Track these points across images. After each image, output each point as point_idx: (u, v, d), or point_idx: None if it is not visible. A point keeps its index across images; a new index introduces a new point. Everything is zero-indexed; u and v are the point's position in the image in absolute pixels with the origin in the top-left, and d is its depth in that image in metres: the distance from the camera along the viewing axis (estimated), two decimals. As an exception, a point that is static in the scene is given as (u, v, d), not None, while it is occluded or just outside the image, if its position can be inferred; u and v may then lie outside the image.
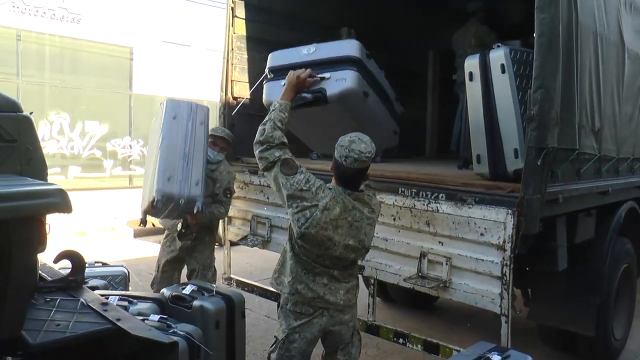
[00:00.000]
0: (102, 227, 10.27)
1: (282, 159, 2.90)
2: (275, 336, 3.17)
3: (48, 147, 12.55)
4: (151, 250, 9.16)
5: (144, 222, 4.27)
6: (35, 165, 1.97)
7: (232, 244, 5.29)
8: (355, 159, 2.78)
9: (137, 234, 10.34)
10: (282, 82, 3.36)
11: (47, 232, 2.12)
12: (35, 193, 1.48)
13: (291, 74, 3.29)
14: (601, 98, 3.96)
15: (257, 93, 4.52)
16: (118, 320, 1.91)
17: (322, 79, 3.49)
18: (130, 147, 14.75)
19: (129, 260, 4.70)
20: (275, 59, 4.15)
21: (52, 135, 12.98)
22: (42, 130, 12.30)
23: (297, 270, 2.95)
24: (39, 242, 1.66)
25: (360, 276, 3.38)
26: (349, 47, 3.88)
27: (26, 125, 2.00)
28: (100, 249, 7.62)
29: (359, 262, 3.22)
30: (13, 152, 1.86)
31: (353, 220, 2.85)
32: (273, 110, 3.06)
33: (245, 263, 7.69)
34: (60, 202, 1.49)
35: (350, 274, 3.03)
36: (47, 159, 2.06)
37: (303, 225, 2.79)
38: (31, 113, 2.09)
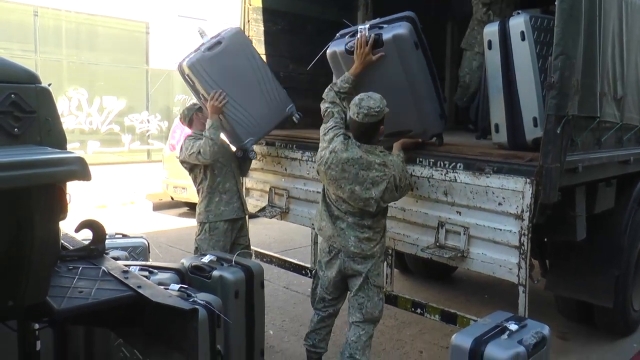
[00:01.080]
0: (121, 201, 10.42)
1: (328, 110, 3.45)
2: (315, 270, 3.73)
3: (67, 123, 12.66)
4: (171, 223, 9.30)
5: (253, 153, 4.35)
6: (54, 137, 1.98)
7: (251, 216, 5.34)
8: (365, 114, 3.16)
9: (157, 208, 10.47)
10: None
11: (68, 201, 2.16)
12: (55, 161, 1.49)
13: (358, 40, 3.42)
14: (624, 65, 3.87)
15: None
16: (139, 287, 1.95)
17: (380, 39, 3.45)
18: (148, 122, 14.82)
19: (149, 233, 4.78)
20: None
21: (70, 110, 13.09)
22: (61, 105, 12.39)
23: (322, 209, 3.44)
24: (60, 210, 1.69)
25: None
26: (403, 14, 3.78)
27: (45, 97, 2.01)
28: (121, 222, 7.72)
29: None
30: (32, 124, 1.87)
31: (360, 168, 3.19)
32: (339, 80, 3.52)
33: (264, 235, 7.76)
34: (79, 169, 1.51)
35: (365, 225, 3.28)
36: (67, 134, 2.07)
37: (317, 162, 3.38)
38: (49, 85, 2.10)
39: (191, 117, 4.35)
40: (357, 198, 3.22)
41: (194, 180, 4.38)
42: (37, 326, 3.19)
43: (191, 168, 4.29)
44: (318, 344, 3.59)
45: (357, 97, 3.24)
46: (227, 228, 4.35)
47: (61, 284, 1.95)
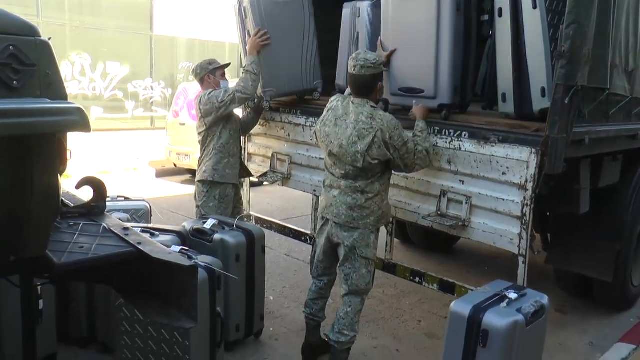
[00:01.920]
0: (124, 167, 10.42)
1: None
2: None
3: (70, 88, 12.59)
4: (173, 189, 9.31)
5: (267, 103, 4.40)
6: (55, 91, 1.95)
7: (252, 184, 5.33)
8: (361, 66, 3.19)
9: (159, 174, 10.48)
10: None
11: (69, 157, 2.15)
12: (54, 110, 1.47)
13: None
14: (638, 37, 3.80)
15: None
16: (139, 244, 1.95)
17: None
18: (152, 89, 14.73)
19: (152, 199, 4.78)
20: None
21: (73, 75, 13.00)
22: (64, 70, 12.31)
23: (323, 182, 3.45)
24: (60, 162, 1.68)
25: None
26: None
27: (45, 50, 1.98)
28: (123, 188, 7.74)
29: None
30: (32, 77, 1.84)
31: (350, 122, 3.19)
32: None
33: (265, 203, 7.78)
34: (79, 120, 1.49)
35: (358, 189, 3.22)
36: (69, 99, 2.05)
37: (318, 123, 3.41)
38: (49, 39, 2.07)
39: (203, 76, 4.31)
40: (345, 152, 3.17)
41: (205, 139, 4.28)
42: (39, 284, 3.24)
43: (212, 123, 4.20)
44: (317, 313, 3.60)
45: (355, 53, 3.32)
46: (234, 193, 4.36)
47: (62, 240, 1.95)
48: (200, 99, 4.17)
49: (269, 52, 4.22)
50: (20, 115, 1.40)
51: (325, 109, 3.40)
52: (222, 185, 4.28)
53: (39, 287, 3.24)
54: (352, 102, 3.25)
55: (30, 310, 3.20)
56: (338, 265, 3.40)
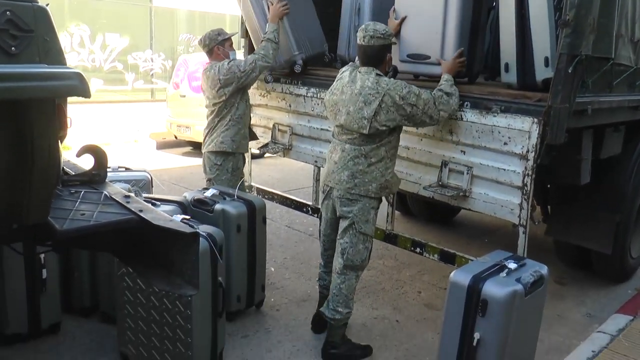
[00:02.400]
0: (125, 139, 10.41)
1: None
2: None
3: (69, 60, 12.47)
4: (174, 161, 9.31)
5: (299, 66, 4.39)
6: (53, 57, 1.94)
7: (254, 156, 5.33)
8: (371, 37, 3.19)
9: (160, 146, 10.46)
10: None
11: (69, 125, 2.14)
12: (53, 75, 1.46)
13: None
14: (645, 6, 3.75)
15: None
16: (140, 211, 1.95)
17: None
18: (152, 61, 14.64)
19: (153, 171, 4.77)
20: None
21: (72, 47, 12.90)
22: (62, 42, 12.14)
23: (328, 149, 3.46)
24: (60, 127, 1.67)
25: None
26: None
27: (43, 16, 1.96)
28: (124, 160, 7.74)
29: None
30: (30, 43, 1.83)
31: (356, 89, 3.18)
32: None
33: (266, 175, 7.78)
34: (79, 85, 1.47)
35: (361, 153, 3.20)
36: None
37: (327, 93, 3.42)
38: (47, 5, 2.04)
39: (212, 47, 4.27)
40: (352, 120, 3.16)
41: (221, 109, 4.22)
42: (42, 255, 3.27)
43: (232, 94, 4.15)
44: (329, 285, 3.58)
45: (364, 24, 3.31)
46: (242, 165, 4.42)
47: (63, 207, 1.96)
48: (219, 69, 4.11)
49: (290, 17, 4.27)
50: (19, 79, 1.39)
51: (335, 80, 3.39)
52: (235, 156, 4.28)
53: (42, 257, 3.27)
54: (359, 72, 3.25)
55: (34, 278, 3.26)
56: (337, 237, 3.39)
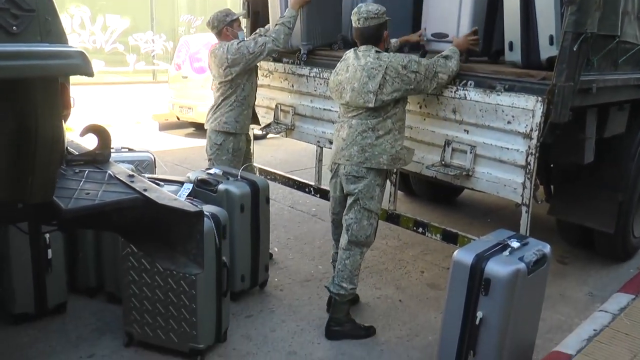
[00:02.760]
0: (127, 121, 10.39)
1: None
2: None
3: (70, 41, 12.37)
4: (177, 142, 9.31)
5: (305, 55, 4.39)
6: (55, 37, 1.91)
7: (256, 137, 5.32)
8: (365, 18, 3.25)
9: (163, 128, 10.45)
10: None
11: (72, 105, 2.14)
12: (56, 53, 1.46)
13: None
14: (651, -17, 3.71)
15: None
16: (145, 190, 1.96)
17: None
18: (153, 42, 14.53)
19: (156, 152, 4.78)
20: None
21: (73, 28, 12.80)
22: (63, 23, 12.12)
23: (335, 128, 3.49)
24: (64, 106, 1.67)
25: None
26: None
27: (44, -5, 1.93)
28: (127, 141, 7.75)
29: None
30: (32, 22, 1.80)
31: (357, 65, 3.23)
32: None
33: (269, 156, 7.78)
34: (81, 63, 1.47)
35: (369, 126, 3.24)
36: None
37: (331, 75, 3.46)
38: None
39: (221, 29, 4.24)
40: (358, 95, 3.20)
41: (227, 89, 4.20)
42: (47, 235, 3.29)
43: (239, 74, 4.13)
44: None
45: (356, 7, 3.35)
46: (245, 147, 4.41)
47: (68, 186, 1.96)
48: (227, 48, 4.08)
49: (311, 6, 4.24)
50: (22, 57, 1.39)
51: (340, 61, 3.43)
52: (236, 137, 4.27)
53: (47, 237, 3.30)
54: (359, 51, 3.30)
55: (40, 258, 3.28)
56: (345, 215, 3.41)
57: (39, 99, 1.49)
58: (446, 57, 3.34)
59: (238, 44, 4.10)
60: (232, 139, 4.25)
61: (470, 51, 3.60)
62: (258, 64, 4.36)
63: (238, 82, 4.18)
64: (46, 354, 3.14)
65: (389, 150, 3.26)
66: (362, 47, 3.29)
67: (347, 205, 3.37)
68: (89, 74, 1.49)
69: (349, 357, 3.27)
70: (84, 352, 3.17)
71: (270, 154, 7.96)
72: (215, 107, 4.28)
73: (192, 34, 12.97)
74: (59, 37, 1.97)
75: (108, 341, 3.28)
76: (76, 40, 12.72)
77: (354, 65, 3.25)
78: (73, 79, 2.13)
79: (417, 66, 3.20)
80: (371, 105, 3.17)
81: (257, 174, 4.80)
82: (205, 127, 4.38)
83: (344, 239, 3.41)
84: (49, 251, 3.35)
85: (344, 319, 3.45)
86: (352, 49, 3.39)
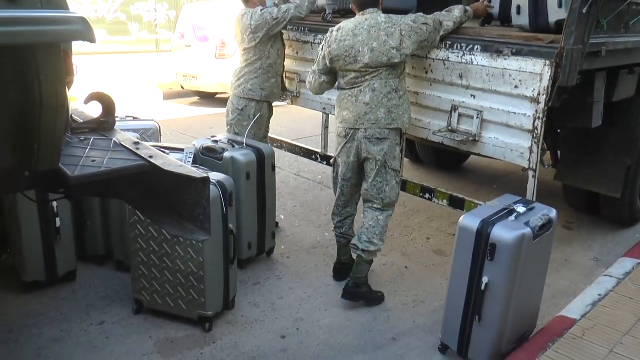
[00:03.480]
0: (131, 90, 10.35)
1: None
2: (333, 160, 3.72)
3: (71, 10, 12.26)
4: (181, 112, 9.29)
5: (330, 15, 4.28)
6: (55, 4, 1.89)
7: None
8: None
9: (167, 97, 10.41)
10: None
11: (75, 72, 2.12)
12: (58, 19, 1.44)
13: None
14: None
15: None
16: (150, 157, 1.95)
17: None
18: (155, 11, 14.37)
19: (160, 121, 4.76)
20: None
21: (74, -3, 12.65)
22: (65, -9, 11.96)
23: (340, 99, 3.43)
24: (67, 73, 1.65)
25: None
26: None
27: (44, -39, 1.90)
28: (132, 110, 7.74)
29: None
30: (32, -11, 1.78)
31: (369, 27, 3.23)
32: None
33: (275, 124, 7.70)
34: (83, 29, 1.45)
35: (392, 87, 3.26)
36: None
37: (326, 48, 3.37)
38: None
39: None
40: (379, 54, 3.20)
41: (251, 55, 4.15)
42: (55, 204, 3.31)
43: (262, 40, 4.08)
44: (347, 232, 3.69)
45: None
46: (268, 115, 4.37)
47: (73, 154, 1.96)
48: (252, 15, 4.04)
49: None
50: (22, 24, 1.37)
51: (330, 35, 3.36)
52: (259, 104, 4.21)
53: (54, 205, 3.32)
54: (364, 15, 3.29)
55: (48, 227, 3.31)
56: (369, 180, 3.39)
57: (41, 65, 1.47)
58: (449, 9, 3.45)
59: (262, 10, 4.06)
60: (255, 106, 4.20)
61: (488, 16, 3.60)
62: (282, 32, 4.29)
63: (262, 49, 4.13)
64: (57, 320, 3.19)
65: (408, 110, 3.35)
66: (369, 10, 3.29)
67: (375, 170, 3.35)
68: (91, 40, 1.47)
69: (355, 323, 3.31)
70: (95, 320, 3.22)
71: (276, 121, 7.85)
72: (239, 73, 4.24)
73: (195, 3, 12.81)
74: (60, 4, 1.95)
75: (118, 309, 3.33)
76: (78, 9, 12.59)
77: (368, 26, 3.23)
78: (76, 48, 2.12)
79: (424, 19, 3.30)
80: (397, 60, 3.21)
81: (268, 142, 4.79)
82: (230, 93, 4.34)
83: (374, 203, 3.41)
84: (57, 220, 3.38)
85: (363, 280, 3.48)
86: (354, 17, 3.36)
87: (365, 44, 3.21)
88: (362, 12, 3.31)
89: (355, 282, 3.44)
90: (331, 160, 3.74)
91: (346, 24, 3.32)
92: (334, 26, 3.41)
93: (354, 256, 3.52)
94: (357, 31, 3.25)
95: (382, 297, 3.55)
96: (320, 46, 3.45)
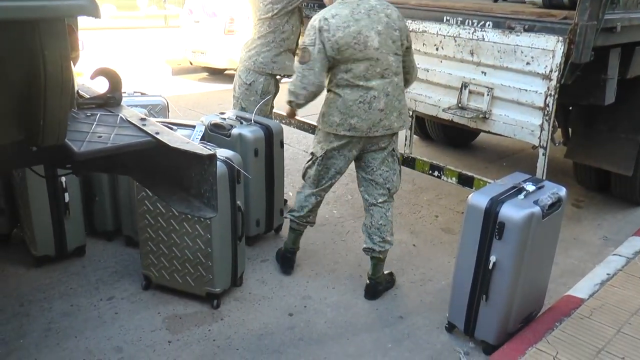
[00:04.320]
0: (140, 65, 10.31)
1: None
2: (312, 152, 3.34)
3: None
4: (190, 87, 9.25)
5: None
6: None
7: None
8: None
9: (176, 72, 10.37)
10: None
11: (81, 48, 2.10)
12: (61, -7, 1.42)
13: None
14: None
15: None
16: (157, 133, 1.94)
17: None
18: (164, -14, 14.26)
19: (169, 97, 4.73)
20: None
21: (82, -29, 12.55)
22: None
23: (349, 100, 3.02)
24: (72, 48, 1.64)
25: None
26: None
27: None
28: (140, 85, 7.71)
29: None
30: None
31: (367, 10, 2.98)
32: None
33: (283, 102, 7.71)
34: (88, 4, 1.43)
35: (400, 86, 3.06)
36: None
37: (326, 39, 2.92)
38: None
39: None
40: (386, 36, 2.95)
41: (265, 26, 4.01)
42: (63, 179, 3.32)
43: (279, 13, 3.95)
44: (312, 219, 3.49)
45: None
46: (275, 92, 4.26)
47: (80, 129, 1.95)
48: None
49: None
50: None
51: (327, 24, 2.94)
52: (267, 79, 4.09)
53: (63, 181, 3.33)
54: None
55: (57, 202, 3.33)
56: (374, 170, 3.20)
57: (46, 41, 1.46)
58: None
59: None
60: (263, 80, 4.08)
61: None
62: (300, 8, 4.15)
63: (277, 22, 3.98)
64: (67, 295, 3.23)
65: (406, 105, 3.21)
66: None
67: (380, 159, 3.17)
68: (96, 15, 1.45)
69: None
70: (104, 295, 3.25)
71: (284, 98, 7.89)
72: (250, 44, 4.11)
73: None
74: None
75: (127, 284, 3.36)
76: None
77: (366, 10, 2.97)
78: (84, 23, 2.10)
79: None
80: (406, 42, 3.04)
81: (272, 117, 4.76)
82: (239, 65, 4.22)
83: (380, 194, 3.22)
84: (66, 195, 3.40)
85: (382, 276, 3.40)
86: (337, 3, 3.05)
87: (370, 28, 2.94)
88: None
89: (379, 281, 3.37)
90: (317, 155, 3.29)
91: (339, 10, 2.97)
92: (314, 15, 3.05)
93: (369, 258, 3.34)
94: (357, 16, 2.96)
95: (395, 279, 3.53)
96: (310, 40, 2.95)
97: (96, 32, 8.86)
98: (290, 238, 3.54)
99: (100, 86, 2.35)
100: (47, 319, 3.02)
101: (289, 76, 4.41)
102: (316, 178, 3.30)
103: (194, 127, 3.53)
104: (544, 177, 3.12)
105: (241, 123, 3.73)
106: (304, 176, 3.39)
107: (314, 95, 3.09)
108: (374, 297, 3.35)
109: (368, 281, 3.37)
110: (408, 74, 3.16)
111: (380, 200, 3.23)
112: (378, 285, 3.37)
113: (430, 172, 3.85)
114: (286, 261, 3.57)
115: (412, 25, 3.53)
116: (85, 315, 3.06)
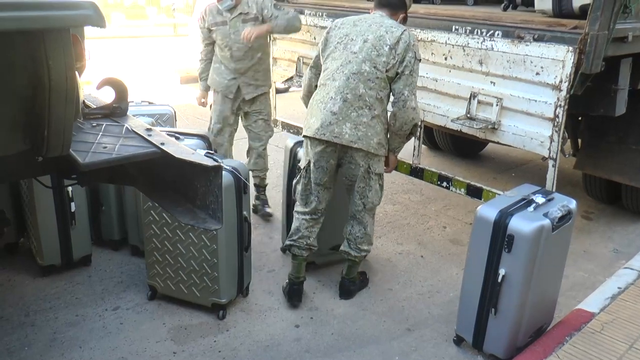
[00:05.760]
0: (148, 74, 10.35)
1: None
2: (298, 167, 3.33)
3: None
4: (198, 97, 9.22)
5: None
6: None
7: (278, 91, 5.25)
8: None
9: (184, 81, 10.40)
10: None
11: (87, 57, 2.10)
12: (67, 4, 1.41)
13: None
14: None
15: None
16: (162, 144, 1.93)
17: None
18: (173, -5, 14.35)
19: (177, 105, 4.74)
20: None
21: (92, -19, 12.65)
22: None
23: (312, 102, 3.12)
24: (77, 59, 1.63)
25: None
26: None
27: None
28: (148, 94, 7.74)
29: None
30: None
31: (372, 22, 3.03)
32: None
33: (291, 110, 7.69)
34: (93, 14, 1.42)
35: (365, 102, 2.96)
36: None
37: (322, 40, 3.15)
38: None
39: None
40: (371, 46, 2.94)
41: None
42: (70, 189, 3.32)
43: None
44: (313, 242, 3.31)
45: None
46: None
47: (85, 140, 1.95)
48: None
49: None
50: (31, 8, 1.34)
51: (331, 25, 3.18)
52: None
53: (69, 190, 3.33)
54: (374, 12, 3.14)
55: (64, 212, 3.33)
56: (352, 183, 3.16)
57: (51, 51, 1.45)
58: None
59: None
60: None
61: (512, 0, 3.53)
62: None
63: None
64: (73, 305, 3.21)
65: (385, 139, 3.15)
66: (379, 12, 3.12)
67: (358, 176, 3.11)
68: (101, 25, 1.44)
69: (370, 313, 3.29)
70: (109, 305, 3.23)
71: (293, 107, 7.86)
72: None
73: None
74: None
75: (132, 294, 3.34)
76: (96, -8, 12.61)
77: (371, 21, 3.05)
78: (92, 32, 2.09)
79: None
80: (396, 65, 2.96)
81: (280, 127, 4.76)
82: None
83: (356, 206, 3.19)
84: (72, 204, 3.39)
85: (356, 276, 3.46)
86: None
87: (360, 34, 3.00)
88: (374, 11, 3.15)
89: (351, 281, 3.42)
90: (302, 168, 3.22)
91: (351, 17, 3.15)
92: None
93: (343, 259, 3.37)
94: (358, 22, 3.07)
95: (367, 279, 3.59)
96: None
97: (105, 41, 8.91)
98: (293, 267, 3.32)
99: (107, 96, 2.35)
100: (53, 328, 3.00)
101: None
102: (304, 193, 3.24)
103: (200, 136, 3.52)
104: (554, 189, 3.08)
105: (248, 133, 3.70)
106: (293, 193, 3.34)
107: (306, 91, 3.33)
108: (348, 297, 3.41)
109: (341, 280, 3.43)
110: (395, 105, 3.00)
111: (356, 210, 3.21)
112: (351, 284, 3.42)
113: (439, 182, 3.81)
114: (294, 293, 3.32)
115: (420, 34, 3.51)
116: (90, 325, 3.05)
